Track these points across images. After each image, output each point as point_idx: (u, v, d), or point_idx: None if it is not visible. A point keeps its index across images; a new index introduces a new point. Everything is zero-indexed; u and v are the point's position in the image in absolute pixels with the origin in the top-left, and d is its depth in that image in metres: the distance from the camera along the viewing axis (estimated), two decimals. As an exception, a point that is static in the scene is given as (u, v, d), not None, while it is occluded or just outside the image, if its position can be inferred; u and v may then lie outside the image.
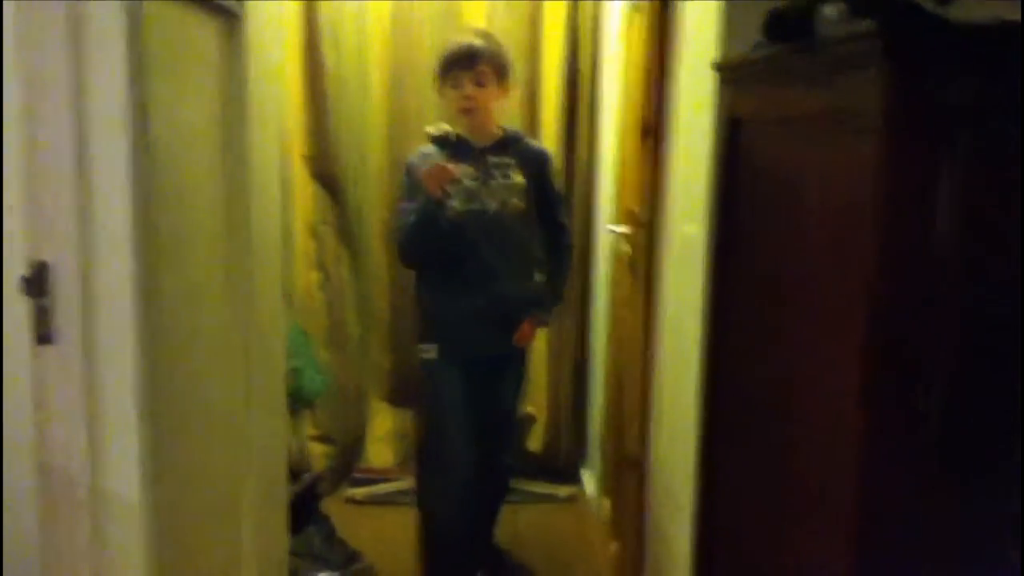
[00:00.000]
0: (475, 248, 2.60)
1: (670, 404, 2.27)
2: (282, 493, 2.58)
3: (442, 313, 2.70)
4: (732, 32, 1.92)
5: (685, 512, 2.08)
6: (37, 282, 1.43)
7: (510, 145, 2.70)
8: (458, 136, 2.66)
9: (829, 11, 1.43)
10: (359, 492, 3.56)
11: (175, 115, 1.72)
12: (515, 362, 2.85)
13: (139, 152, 1.49)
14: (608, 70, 3.47)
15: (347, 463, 3.70)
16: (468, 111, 2.62)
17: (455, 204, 2.57)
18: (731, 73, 1.90)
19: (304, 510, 2.95)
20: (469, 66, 2.58)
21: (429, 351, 2.69)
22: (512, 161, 2.65)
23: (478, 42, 2.62)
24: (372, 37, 3.57)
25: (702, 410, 1.98)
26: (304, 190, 3.56)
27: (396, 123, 3.64)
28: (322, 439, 3.63)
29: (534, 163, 2.71)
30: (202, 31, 1.90)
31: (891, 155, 1.20)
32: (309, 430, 3.59)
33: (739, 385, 1.87)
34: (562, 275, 2.84)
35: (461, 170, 2.55)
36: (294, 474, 2.96)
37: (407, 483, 3.59)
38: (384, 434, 3.79)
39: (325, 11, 3.47)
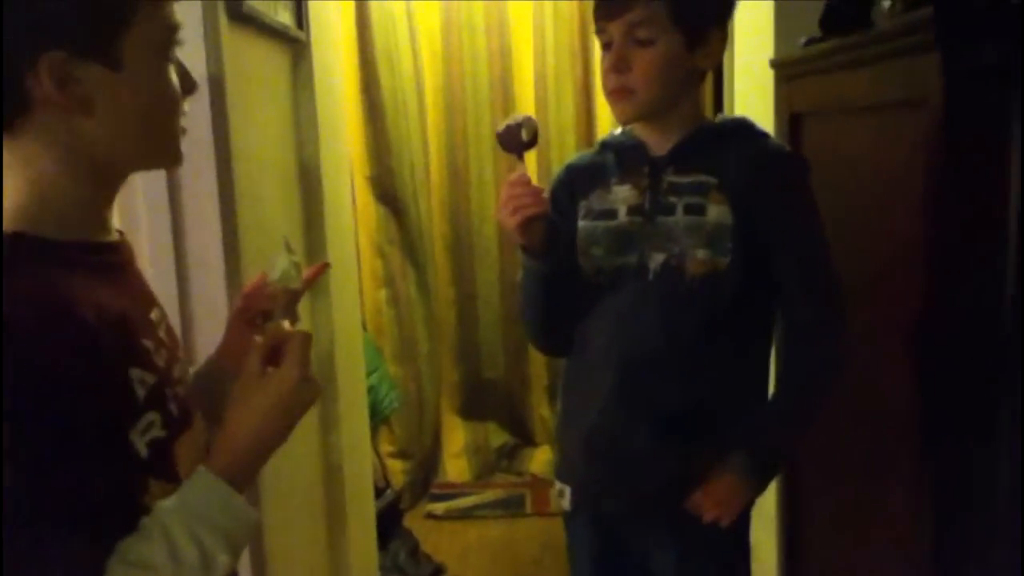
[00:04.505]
0: (620, 333, 1.44)
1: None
2: (370, 509, 2.61)
3: (568, 432, 1.57)
4: (784, 30, 1.98)
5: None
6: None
7: (708, 149, 1.43)
8: (625, 139, 1.51)
9: (885, 2, 1.45)
10: (439, 507, 3.57)
11: (251, 142, 1.74)
12: (697, 544, 1.47)
13: (225, 182, 1.51)
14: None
15: (425, 478, 3.72)
16: (612, 94, 1.42)
17: (597, 252, 1.46)
18: (789, 69, 1.93)
19: (388, 526, 2.97)
20: (616, 11, 1.38)
21: (562, 494, 1.59)
22: (711, 181, 1.40)
23: None
24: (424, 53, 3.60)
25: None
26: (368, 210, 3.60)
27: (453, 138, 3.67)
28: (399, 455, 3.65)
29: (758, 182, 1.39)
30: (272, 58, 1.93)
31: (948, 138, 1.23)
32: (386, 446, 3.62)
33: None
34: (801, 394, 1.46)
35: (622, 195, 1.46)
36: (376, 490, 2.99)
37: (485, 497, 3.61)
38: (459, 449, 3.80)
39: (378, 31, 3.50)
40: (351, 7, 3.45)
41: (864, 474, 1.60)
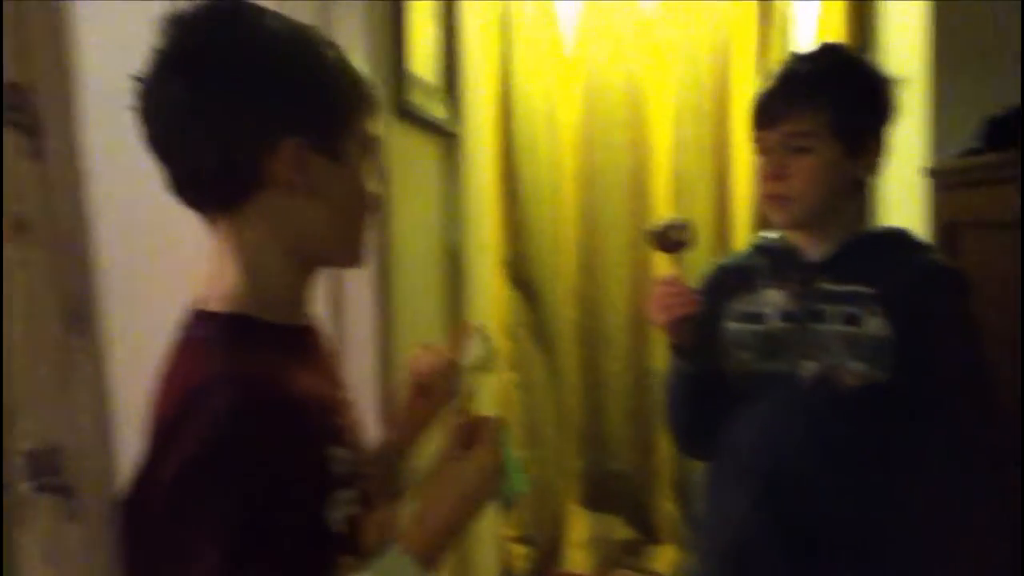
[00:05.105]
0: (767, 441, 1.41)
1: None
2: (493, 596, 2.59)
3: (707, 541, 1.54)
4: (936, 139, 1.97)
5: None
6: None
7: (865, 259, 1.39)
8: (778, 243, 1.49)
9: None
10: (559, 598, 3.52)
11: (407, 228, 1.83)
12: None
13: (384, 269, 1.59)
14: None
15: (545, 566, 3.67)
16: (769, 200, 1.42)
17: (744, 356, 1.44)
18: (947, 178, 1.91)
19: (508, 614, 2.94)
20: (776, 120, 1.38)
21: None
22: (868, 291, 1.35)
23: (803, 67, 1.41)
24: (563, 144, 3.68)
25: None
26: (500, 293, 3.67)
27: (586, 227, 3.71)
28: (521, 540, 3.63)
29: (919, 297, 1.35)
30: (427, 149, 2.03)
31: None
32: (508, 531, 3.60)
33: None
34: (955, 529, 1.35)
35: (772, 299, 1.43)
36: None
37: (607, 590, 3.53)
38: (582, 539, 3.74)
39: (520, 122, 3.60)
40: (495, 99, 3.58)
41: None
